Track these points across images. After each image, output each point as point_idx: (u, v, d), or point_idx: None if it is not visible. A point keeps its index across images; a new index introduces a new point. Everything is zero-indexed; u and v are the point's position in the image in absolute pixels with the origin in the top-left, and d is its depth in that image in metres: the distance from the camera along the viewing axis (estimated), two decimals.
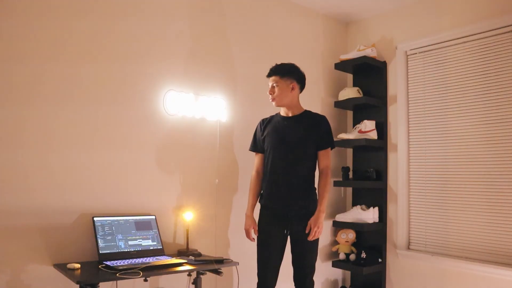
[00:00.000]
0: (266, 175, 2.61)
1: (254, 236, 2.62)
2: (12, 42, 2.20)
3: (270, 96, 2.60)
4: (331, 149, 2.64)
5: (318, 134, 2.58)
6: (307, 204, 2.54)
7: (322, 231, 2.48)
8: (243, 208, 3.07)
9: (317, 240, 2.54)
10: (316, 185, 2.61)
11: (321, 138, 2.59)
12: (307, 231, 2.46)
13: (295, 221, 2.51)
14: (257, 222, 2.63)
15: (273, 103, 2.60)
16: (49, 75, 2.30)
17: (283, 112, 2.67)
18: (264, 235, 2.57)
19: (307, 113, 2.65)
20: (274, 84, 2.58)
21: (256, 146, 2.71)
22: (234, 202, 3.07)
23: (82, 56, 2.42)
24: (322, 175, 2.58)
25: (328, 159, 2.61)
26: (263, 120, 2.72)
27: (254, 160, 2.74)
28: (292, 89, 2.57)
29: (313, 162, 2.60)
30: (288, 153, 2.54)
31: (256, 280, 2.57)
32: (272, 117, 2.72)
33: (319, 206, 2.51)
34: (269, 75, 2.61)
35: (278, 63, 2.63)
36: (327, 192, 2.54)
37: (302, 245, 2.52)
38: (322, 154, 2.60)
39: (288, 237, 2.58)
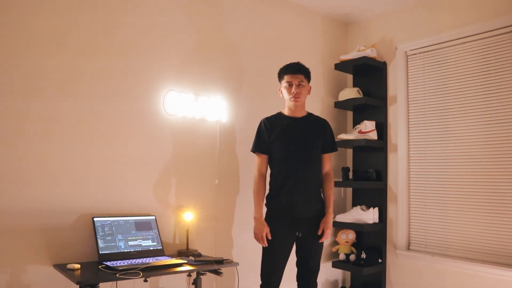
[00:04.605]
0: (277, 177, 2.53)
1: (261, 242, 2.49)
2: (14, 36, 2.20)
3: (294, 94, 2.48)
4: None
5: (324, 137, 2.60)
6: (319, 207, 2.57)
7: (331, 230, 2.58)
8: (243, 208, 3.08)
9: (323, 242, 2.57)
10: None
11: (327, 142, 2.61)
12: (319, 233, 2.50)
13: (306, 223, 2.49)
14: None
15: (295, 102, 2.50)
16: (48, 74, 2.31)
17: (288, 112, 2.58)
18: (275, 238, 2.46)
19: (311, 116, 2.64)
20: (301, 83, 2.50)
21: (260, 147, 2.57)
22: (234, 203, 3.07)
23: (81, 56, 2.42)
24: (328, 178, 2.62)
25: (331, 162, 2.67)
26: (267, 120, 2.59)
27: (254, 160, 2.70)
28: (308, 91, 2.59)
29: (320, 165, 2.62)
30: (303, 156, 2.50)
31: (256, 280, 2.56)
32: (275, 117, 2.60)
33: (328, 208, 2.57)
34: (295, 72, 2.50)
35: (297, 61, 2.56)
36: (333, 194, 2.63)
37: (310, 247, 2.52)
38: (326, 157, 2.63)
39: (298, 238, 2.53)
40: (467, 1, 3.15)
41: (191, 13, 2.91)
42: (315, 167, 2.56)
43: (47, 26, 2.31)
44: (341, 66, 3.66)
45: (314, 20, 3.71)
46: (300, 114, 2.57)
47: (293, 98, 2.49)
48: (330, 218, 2.55)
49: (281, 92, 2.57)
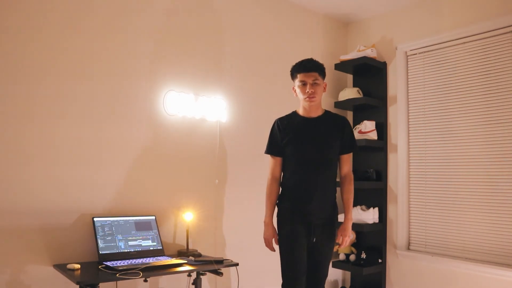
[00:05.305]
0: (291, 181, 2.39)
1: (275, 246, 2.42)
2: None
3: (309, 93, 2.32)
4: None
5: (343, 137, 2.42)
6: (334, 213, 2.43)
7: (350, 238, 2.45)
8: (243, 208, 3.08)
9: (333, 248, 2.45)
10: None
11: (346, 142, 2.43)
12: (338, 241, 2.41)
13: (320, 229, 2.35)
14: (275, 224, 2.45)
15: (310, 102, 2.35)
16: (56, 75, 2.31)
17: (303, 112, 2.43)
18: (293, 234, 2.32)
19: (329, 114, 2.46)
20: (316, 81, 2.33)
21: (274, 149, 2.44)
22: (234, 203, 3.06)
23: (80, 58, 2.42)
24: (347, 181, 2.45)
25: (350, 163, 2.50)
26: (280, 121, 2.45)
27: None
28: (324, 89, 2.42)
29: (337, 167, 2.46)
30: (318, 159, 2.35)
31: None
32: (289, 117, 2.46)
33: (347, 214, 2.42)
34: (309, 70, 2.34)
35: (310, 58, 2.41)
36: (353, 198, 2.46)
37: (320, 253, 2.37)
38: (345, 158, 2.46)
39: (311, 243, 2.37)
40: (467, 1, 3.15)
41: (191, 14, 2.91)
42: (331, 171, 2.40)
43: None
44: (341, 66, 3.66)
45: (314, 20, 3.71)
46: (315, 113, 2.41)
47: (307, 98, 2.34)
48: (348, 225, 2.40)
49: (295, 91, 2.42)
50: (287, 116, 2.47)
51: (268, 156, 2.49)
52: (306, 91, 2.33)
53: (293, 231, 2.34)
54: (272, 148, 2.45)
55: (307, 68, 2.35)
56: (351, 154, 2.48)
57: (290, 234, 2.34)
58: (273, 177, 2.44)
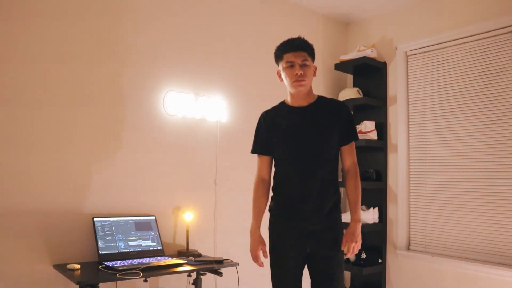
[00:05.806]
0: (280, 183, 2.05)
1: (264, 260, 2.07)
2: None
3: (298, 75, 1.93)
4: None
5: (340, 125, 2.01)
6: (337, 216, 2.07)
7: (360, 244, 2.03)
8: (243, 208, 3.08)
9: (340, 259, 2.04)
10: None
11: (344, 129, 2.02)
12: (343, 248, 2.00)
13: (320, 236, 1.99)
14: (266, 234, 2.11)
15: (299, 87, 1.96)
16: (57, 76, 2.31)
17: (291, 101, 2.05)
18: (281, 249, 2.02)
19: (322, 100, 2.06)
20: (306, 62, 1.95)
21: (259, 148, 2.11)
22: (233, 203, 3.06)
23: (81, 58, 2.42)
24: (350, 175, 2.05)
25: (354, 155, 2.06)
26: (266, 114, 2.12)
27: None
28: (314, 73, 2.05)
29: (337, 162, 2.07)
30: (311, 155, 1.98)
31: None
32: (276, 109, 2.11)
33: (353, 215, 2.03)
34: (297, 49, 1.96)
35: (297, 36, 2.05)
36: (360, 195, 2.05)
37: (326, 266, 1.99)
38: (346, 149, 2.05)
39: (308, 256, 2.01)
40: (467, 1, 3.15)
41: (190, 14, 2.91)
42: (330, 167, 2.02)
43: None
44: (341, 66, 3.66)
45: (314, 20, 3.71)
46: (306, 101, 2.02)
47: (296, 82, 1.94)
48: (355, 228, 2.00)
49: (280, 76, 2.04)
50: (274, 108, 2.13)
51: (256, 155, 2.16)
52: (295, 73, 1.93)
53: (281, 242, 2.02)
54: (258, 146, 2.11)
55: (294, 46, 1.97)
56: (353, 144, 2.06)
57: (277, 246, 2.04)
58: (260, 180, 2.11)
